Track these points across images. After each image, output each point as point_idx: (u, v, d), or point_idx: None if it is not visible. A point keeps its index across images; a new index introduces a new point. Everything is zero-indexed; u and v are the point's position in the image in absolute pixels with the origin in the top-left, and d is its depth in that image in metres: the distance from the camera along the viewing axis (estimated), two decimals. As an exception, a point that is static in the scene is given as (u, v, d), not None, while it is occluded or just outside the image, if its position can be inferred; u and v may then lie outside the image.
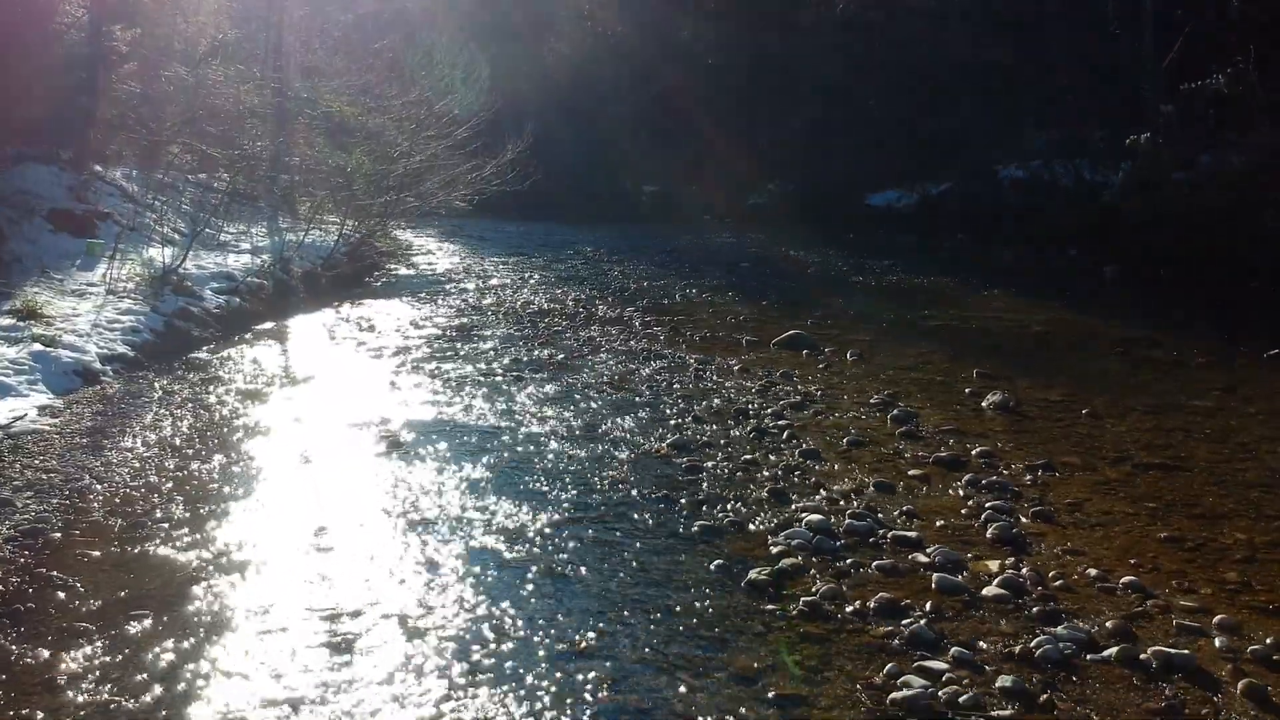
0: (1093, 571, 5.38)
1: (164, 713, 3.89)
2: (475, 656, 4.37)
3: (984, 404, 9.09)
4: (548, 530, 5.84)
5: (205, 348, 10.91)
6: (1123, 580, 5.26)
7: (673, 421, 8.28)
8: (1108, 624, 4.76)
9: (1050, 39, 24.93)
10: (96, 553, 5.37)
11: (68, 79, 16.89)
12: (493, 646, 4.45)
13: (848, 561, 5.45)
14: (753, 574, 5.19)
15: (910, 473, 7.06)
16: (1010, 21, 25.65)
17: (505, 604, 4.86)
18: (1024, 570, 5.36)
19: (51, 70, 16.62)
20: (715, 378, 9.97)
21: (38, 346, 9.22)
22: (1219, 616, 4.84)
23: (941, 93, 26.94)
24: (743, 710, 4.00)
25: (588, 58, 37.51)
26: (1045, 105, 24.60)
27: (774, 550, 5.57)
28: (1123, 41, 21.42)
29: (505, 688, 4.12)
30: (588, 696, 4.07)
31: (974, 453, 7.51)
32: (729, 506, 6.29)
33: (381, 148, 19.18)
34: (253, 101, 18.51)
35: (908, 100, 28.04)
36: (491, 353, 11.01)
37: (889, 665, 4.31)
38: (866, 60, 29.61)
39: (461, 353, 10.99)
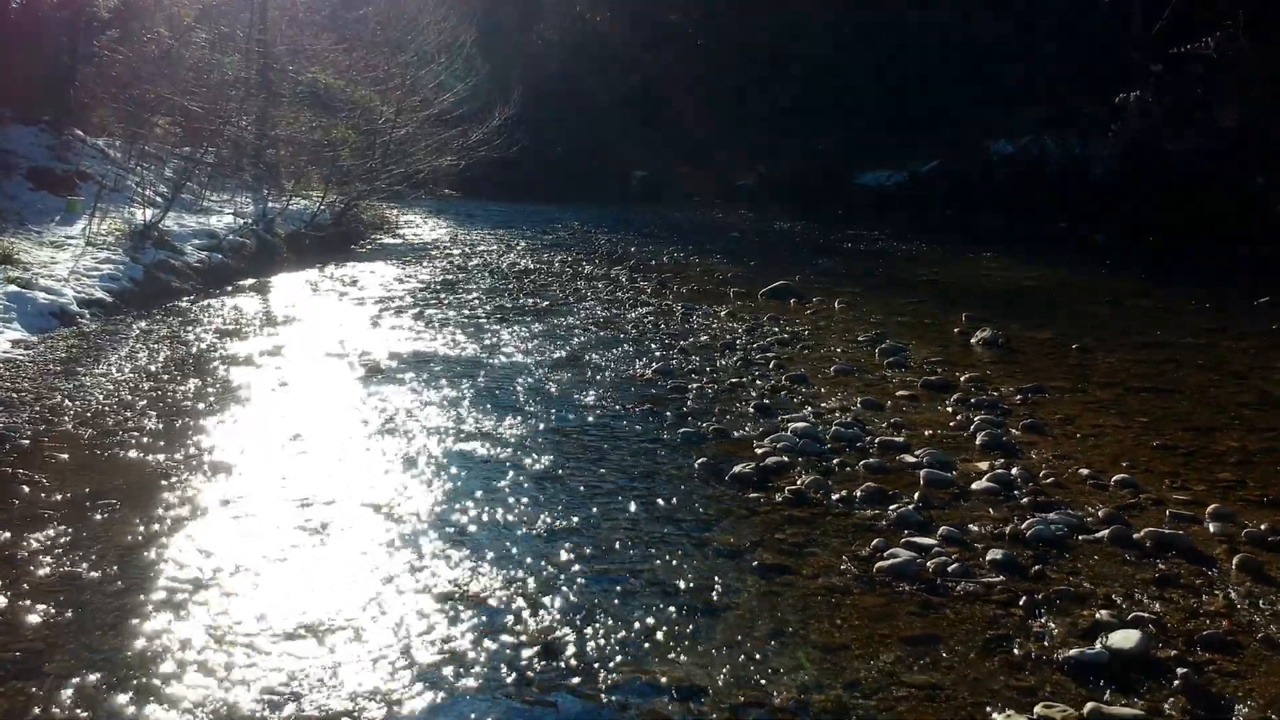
0: (1084, 471, 5.29)
1: (126, 582, 3.76)
2: (451, 536, 4.25)
3: (973, 341, 9.00)
4: (527, 437, 5.72)
5: (186, 298, 10.74)
6: (1115, 478, 5.16)
7: (658, 353, 8.16)
8: (1100, 512, 4.66)
9: (1038, 11, 24.84)
10: (65, 456, 5.22)
11: (48, 43, 16.68)
12: (469, 529, 4.33)
13: (834, 461, 5.34)
14: (737, 468, 5.07)
15: (899, 394, 6.95)
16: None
17: (482, 495, 4.74)
18: (1014, 470, 5.25)
19: (32, 34, 16.41)
20: (701, 321, 9.85)
21: (13, 288, 9.04)
22: (1213, 506, 4.73)
23: (930, 70, 26.82)
24: (726, 578, 3.88)
25: (576, 44, 37.26)
26: (1034, 79, 24.47)
27: (759, 451, 5.46)
28: (1112, 11, 21.32)
29: (480, 561, 4.00)
30: (566, 568, 3.95)
31: (963, 379, 7.40)
32: (714, 418, 6.18)
33: (367, 116, 18.97)
34: (236, 70, 18.27)
35: (896, 79, 27.92)
36: (476, 301, 10.87)
37: (876, 540, 4.20)
38: (855, 39, 29.49)
39: (446, 301, 10.84)
